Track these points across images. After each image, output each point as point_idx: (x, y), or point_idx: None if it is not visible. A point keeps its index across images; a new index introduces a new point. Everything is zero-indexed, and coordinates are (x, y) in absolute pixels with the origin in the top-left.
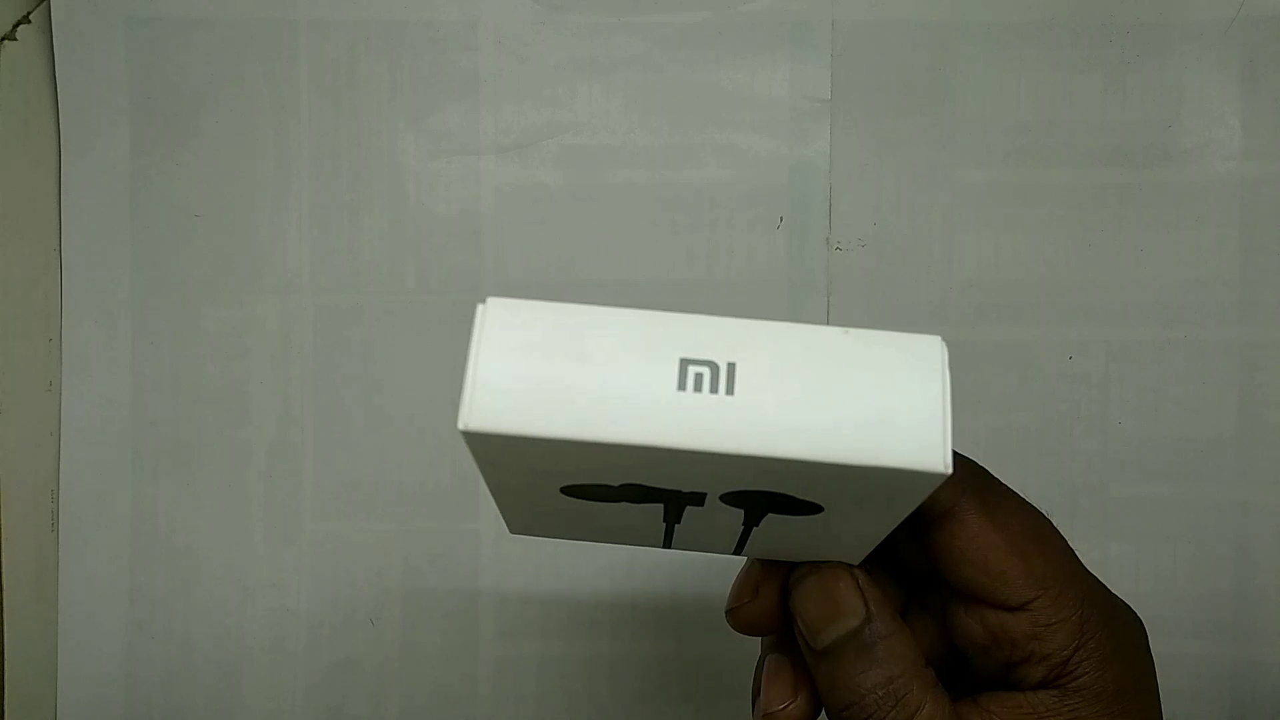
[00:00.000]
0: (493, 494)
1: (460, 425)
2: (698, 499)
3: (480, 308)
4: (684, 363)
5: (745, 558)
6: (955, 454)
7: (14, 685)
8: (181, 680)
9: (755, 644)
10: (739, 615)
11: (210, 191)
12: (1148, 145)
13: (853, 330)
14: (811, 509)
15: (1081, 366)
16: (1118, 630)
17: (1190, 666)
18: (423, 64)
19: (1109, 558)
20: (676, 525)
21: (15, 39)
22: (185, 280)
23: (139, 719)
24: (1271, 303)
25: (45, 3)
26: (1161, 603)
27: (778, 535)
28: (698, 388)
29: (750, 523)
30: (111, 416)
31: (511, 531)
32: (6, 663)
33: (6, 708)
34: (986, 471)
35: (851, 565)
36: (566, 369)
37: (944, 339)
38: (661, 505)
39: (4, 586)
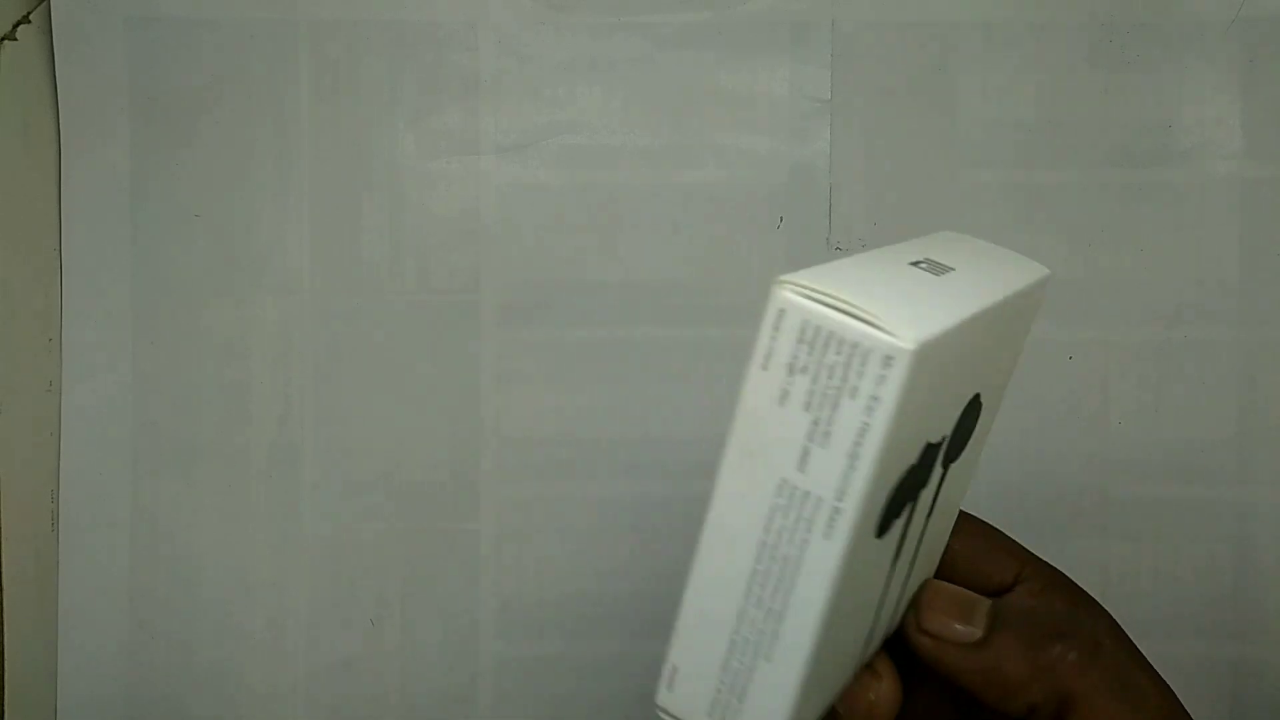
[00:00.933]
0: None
1: (911, 346)
2: (933, 463)
3: (783, 293)
4: (913, 264)
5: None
6: (1090, 640)
7: (14, 685)
8: (181, 680)
9: None
10: (876, 707)
11: (210, 191)
12: (1148, 145)
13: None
14: (978, 414)
15: (1081, 366)
16: (1090, 597)
17: (1190, 666)
18: (423, 64)
19: (1109, 558)
20: (895, 564)
21: (15, 39)
22: (185, 280)
23: (139, 719)
24: (1271, 303)
25: (45, 3)
26: (1161, 603)
27: (920, 548)
28: (926, 271)
29: (935, 497)
30: (111, 416)
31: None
32: (6, 663)
33: (6, 708)
34: (1127, 643)
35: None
36: (882, 287)
37: None
38: (904, 520)
39: (4, 586)
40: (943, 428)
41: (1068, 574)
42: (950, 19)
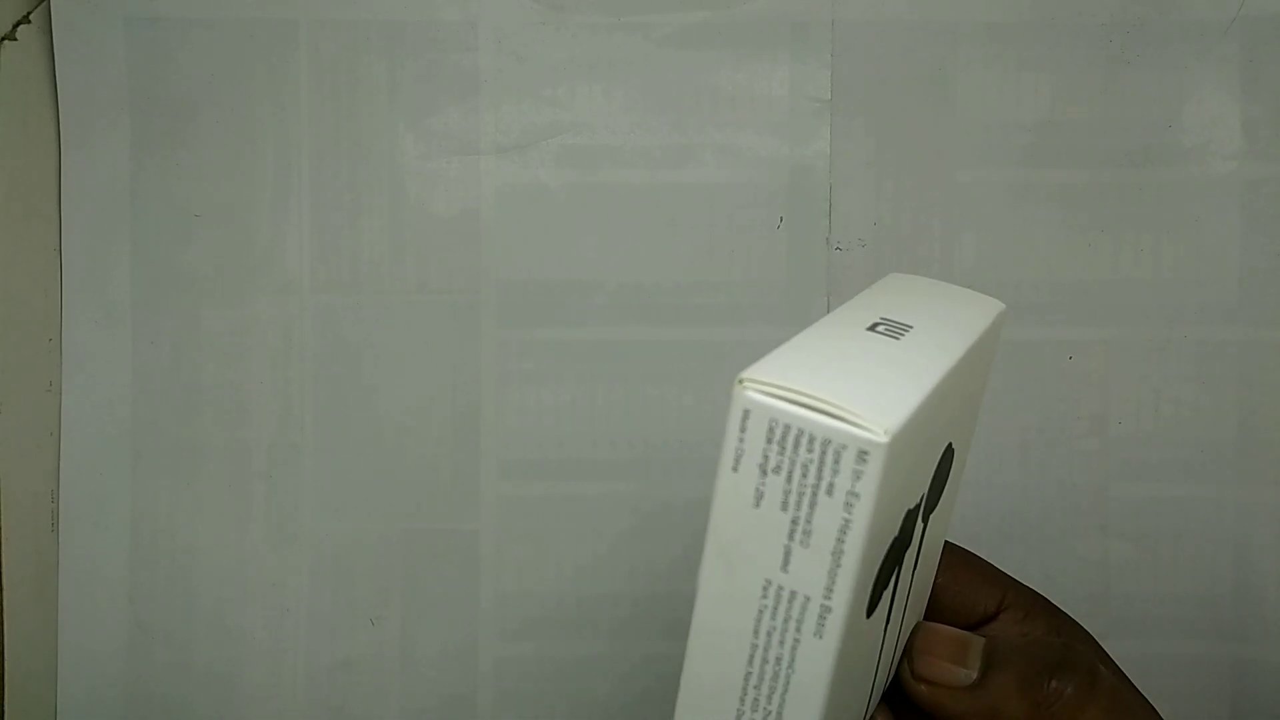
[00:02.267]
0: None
1: (883, 438)
2: (913, 525)
3: (740, 390)
4: (870, 330)
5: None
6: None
7: (14, 685)
8: (181, 680)
9: None
10: None
11: (210, 191)
12: (1148, 145)
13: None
14: (951, 463)
15: (1081, 366)
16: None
17: (1190, 666)
18: (423, 64)
19: (1109, 558)
20: (887, 627)
21: (15, 39)
22: (185, 280)
23: (139, 719)
24: (1271, 303)
25: (45, 3)
26: (1161, 603)
27: (907, 605)
28: (885, 335)
29: (915, 559)
30: (111, 416)
31: None
32: (6, 663)
33: (6, 708)
34: (1113, 664)
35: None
36: (839, 373)
37: None
38: (892, 589)
39: (4, 586)
40: (920, 489)
41: (1067, 576)
42: (950, 19)
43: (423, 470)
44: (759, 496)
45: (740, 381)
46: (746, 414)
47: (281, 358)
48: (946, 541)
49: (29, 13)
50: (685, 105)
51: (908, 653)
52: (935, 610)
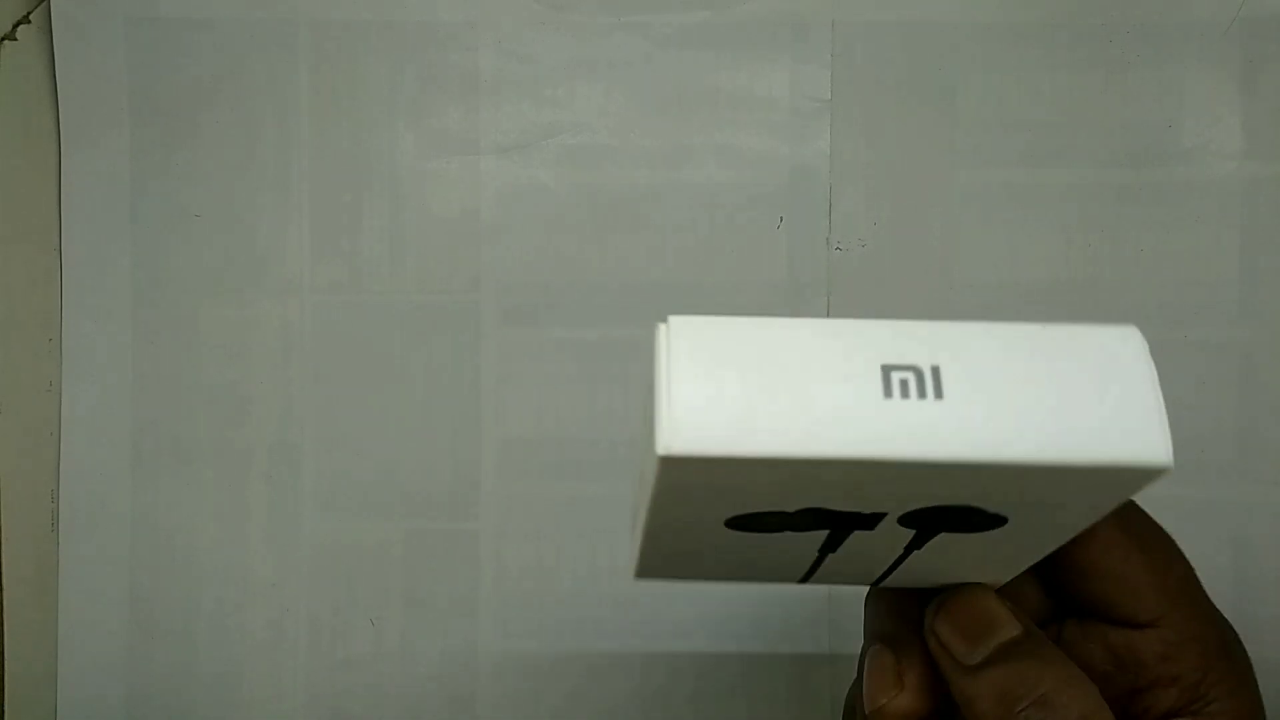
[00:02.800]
0: (645, 533)
1: (661, 451)
2: (873, 521)
3: (662, 327)
4: (886, 369)
5: (872, 639)
6: None
7: (14, 685)
8: (181, 680)
9: (758, 643)
10: (888, 714)
11: (210, 191)
12: (1148, 145)
13: (1049, 325)
14: (996, 522)
15: None
16: (1240, 655)
17: None
18: (423, 64)
19: None
20: (830, 555)
21: (15, 39)
22: (185, 280)
23: (139, 719)
24: (1271, 303)
25: (45, 3)
26: None
27: (934, 560)
28: (905, 394)
29: (914, 546)
30: (111, 416)
31: (637, 576)
32: (6, 663)
33: (6, 708)
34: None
35: (991, 587)
36: (766, 385)
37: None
38: (826, 532)
39: (4, 586)
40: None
41: None
42: (950, 19)
43: (422, 470)
44: None
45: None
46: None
47: (281, 358)
48: (1137, 516)
49: (29, 13)
50: (685, 105)
51: (938, 603)
52: (1087, 589)
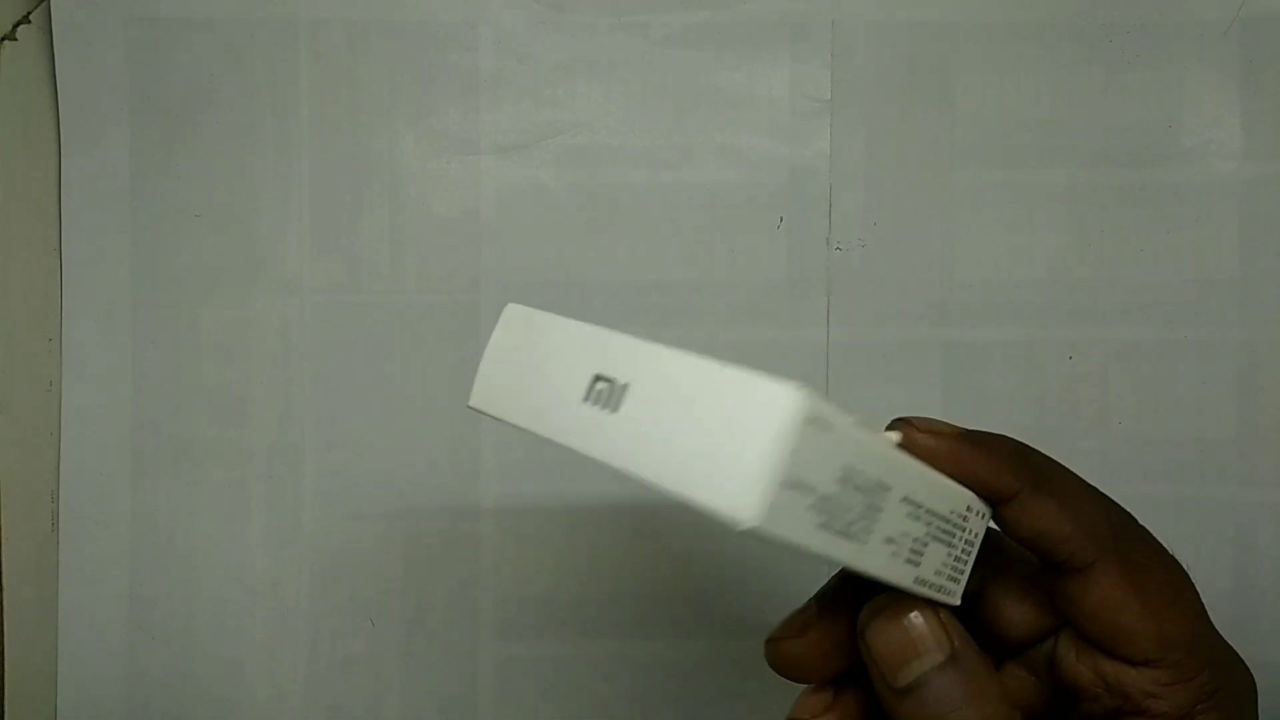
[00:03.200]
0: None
1: (470, 403)
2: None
3: (504, 311)
4: (595, 378)
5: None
6: (1110, 502)
7: (14, 685)
8: (181, 680)
9: (758, 644)
10: (779, 648)
11: (210, 191)
12: (1148, 145)
13: (731, 367)
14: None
15: (1081, 366)
16: (1236, 693)
17: None
18: (423, 64)
19: None
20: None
21: (15, 39)
22: (185, 280)
23: (139, 719)
24: (1271, 303)
25: (45, 3)
26: None
27: None
28: (595, 401)
29: None
30: (111, 416)
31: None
32: (6, 663)
33: (6, 708)
34: (1133, 521)
35: (935, 601)
36: (531, 371)
37: (801, 394)
38: None
39: (4, 586)
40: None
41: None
42: (950, 19)
43: (423, 470)
44: None
45: None
46: None
47: (281, 358)
48: (1142, 549)
49: (29, 13)
50: (685, 105)
51: (869, 611)
52: (1083, 628)
